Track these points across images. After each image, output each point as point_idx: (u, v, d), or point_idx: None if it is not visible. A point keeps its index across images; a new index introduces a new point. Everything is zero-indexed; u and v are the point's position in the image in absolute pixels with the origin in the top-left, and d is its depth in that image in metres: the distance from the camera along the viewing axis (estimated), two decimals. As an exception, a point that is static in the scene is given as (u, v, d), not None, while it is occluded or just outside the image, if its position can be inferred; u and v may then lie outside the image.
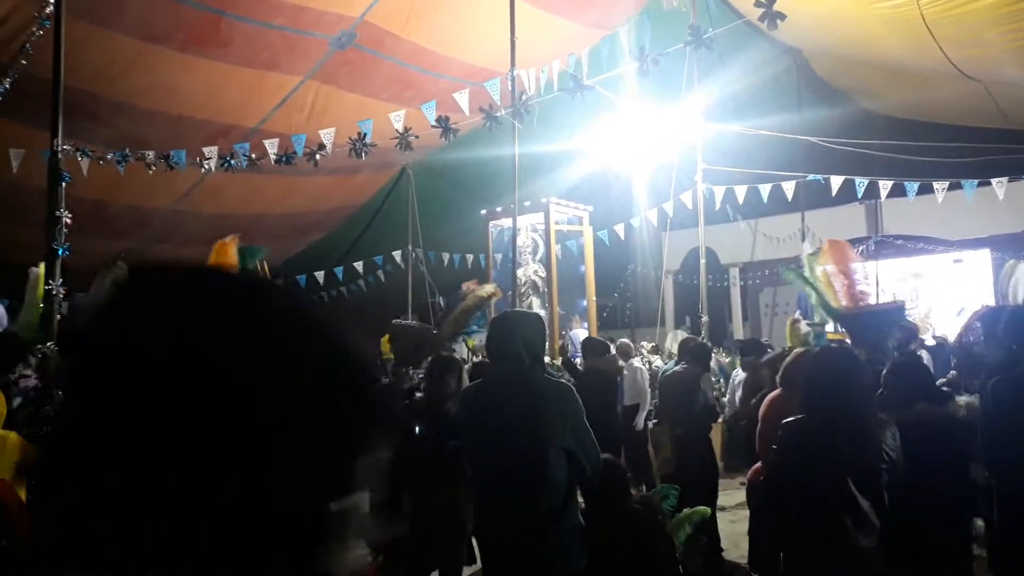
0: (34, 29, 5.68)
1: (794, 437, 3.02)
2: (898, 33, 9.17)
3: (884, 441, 2.81)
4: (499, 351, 2.98)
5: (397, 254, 14.19)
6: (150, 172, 6.17)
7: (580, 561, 2.80)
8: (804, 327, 7.54)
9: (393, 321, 6.78)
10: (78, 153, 5.60)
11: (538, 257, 11.97)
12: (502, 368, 2.96)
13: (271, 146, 6.48)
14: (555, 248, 11.51)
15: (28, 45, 5.88)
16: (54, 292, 5.26)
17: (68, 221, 5.43)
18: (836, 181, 10.39)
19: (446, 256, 14.83)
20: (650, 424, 7.55)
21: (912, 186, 9.89)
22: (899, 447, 2.85)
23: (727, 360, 10.38)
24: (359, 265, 14.69)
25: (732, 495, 7.11)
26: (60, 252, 5.33)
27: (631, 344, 9.06)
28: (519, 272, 10.46)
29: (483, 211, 12.04)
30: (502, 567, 2.88)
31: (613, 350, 8.65)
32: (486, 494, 2.95)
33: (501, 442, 2.84)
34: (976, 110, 11.41)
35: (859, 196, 10.76)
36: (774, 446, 3.44)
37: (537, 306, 11.63)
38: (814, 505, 2.84)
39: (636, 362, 8.84)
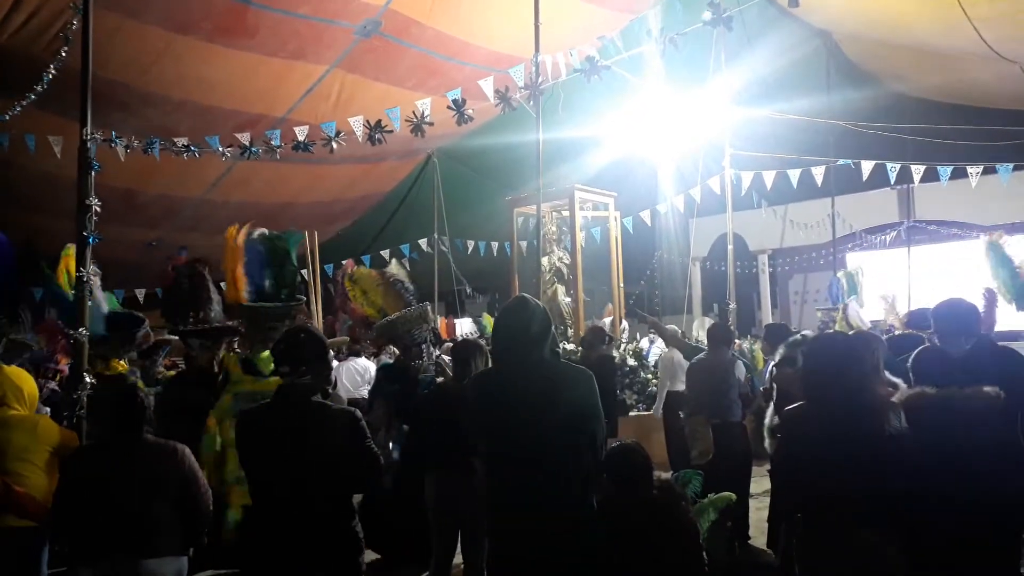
0: (72, 19, 5.74)
1: (795, 425, 2.96)
2: (930, 12, 8.99)
3: (888, 423, 2.75)
4: (514, 337, 2.88)
5: (423, 242, 14.23)
6: (184, 157, 6.24)
7: (598, 542, 2.81)
8: (853, 313, 7.49)
9: (377, 325, 6.62)
10: (107, 142, 5.66)
11: (563, 244, 11.94)
12: (519, 353, 2.87)
13: (300, 133, 6.52)
14: (580, 235, 11.47)
15: (68, 35, 5.95)
16: (85, 279, 5.34)
17: (98, 209, 5.48)
18: (867, 166, 10.21)
19: (471, 244, 14.84)
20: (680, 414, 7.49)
21: (945, 170, 9.68)
22: (905, 429, 2.79)
23: (748, 347, 10.28)
24: (386, 253, 14.77)
25: (759, 482, 7.07)
26: (91, 240, 5.39)
27: (679, 330, 9.03)
28: (544, 259, 10.46)
29: (508, 198, 12.03)
30: (522, 558, 2.78)
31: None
32: (505, 485, 2.85)
33: (524, 430, 2.78)
34: (1011, 92, 11.16)
35: (891, 181, 10.56)
36: (778, 435, 3.37)
37: (562, 293, 11.61)
38: (818, 495, 2.79)
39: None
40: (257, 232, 5.23)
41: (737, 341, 9.02)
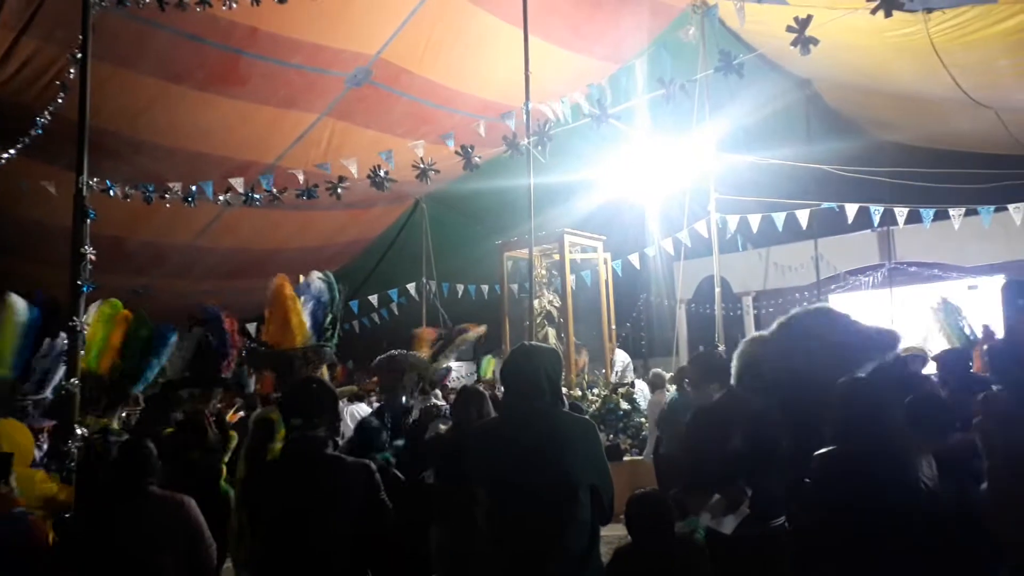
0: (68, 69, 5.79)
1: (829, 470, 2.95)
2: (908, 60, 9.24)
3: (920, 471, 2.75)
4: (519, 385, 2.86)
5: (411, 287, 14.20)
6: (188, 204, 6.28)
7: None
8: None
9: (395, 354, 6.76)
10: (104, 191, 5.65)
11: (552, 287, 11.96)
12: (522, 403, 2.84)
13: (298, 175, 6.56)
14: (570, 278, 11.50)
15: (66, 84, 6.00)
16: (79, 329, 5.28)
17: (93, 258, 5.45)
18: (851, 209, 10.39)
19: (460, 288, 14.83)
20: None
21: (928, 213, 9.88)
22: (936, 476, 2.80)
23: None
24: (374, 298, 14.71)
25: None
26: (85, 288, 5.35)
27: (663, 374, 9.03)
28: (534, 302, 10.45)
29: (498, 242, 12.07)
30: None
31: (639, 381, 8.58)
32: (507, 537, 2.78)
33: (525, 482, 2.72)
34: (988, 137, 11.43)
35: (875, 224, 10.74)
36: (806, 480, 3.35)
37: (552, 337, 11.59)
38: (853, 541, 2.76)
39: (670, 392, 8.81)
40: (313, 274, 5.31)
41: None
